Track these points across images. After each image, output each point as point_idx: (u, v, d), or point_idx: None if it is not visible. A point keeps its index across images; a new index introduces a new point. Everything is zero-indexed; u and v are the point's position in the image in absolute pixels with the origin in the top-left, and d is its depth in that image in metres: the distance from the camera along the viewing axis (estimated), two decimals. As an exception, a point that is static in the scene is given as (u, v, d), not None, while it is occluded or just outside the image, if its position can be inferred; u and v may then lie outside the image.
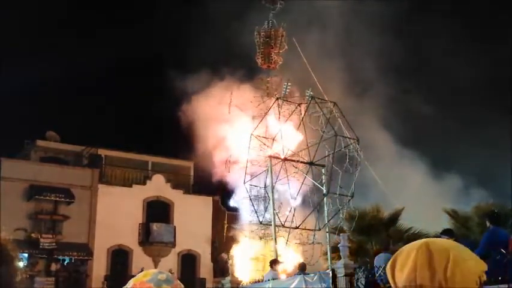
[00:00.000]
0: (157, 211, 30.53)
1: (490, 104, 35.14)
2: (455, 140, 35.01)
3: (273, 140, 22.06)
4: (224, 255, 21.15)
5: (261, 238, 24.71)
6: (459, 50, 37.48)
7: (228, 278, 19.40)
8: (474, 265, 1.49)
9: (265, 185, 23.52)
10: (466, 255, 1.52)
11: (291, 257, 22.88)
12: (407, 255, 1.49)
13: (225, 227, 26.73)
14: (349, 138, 20.26)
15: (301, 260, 21.56)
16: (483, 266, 1.51)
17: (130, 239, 29.46)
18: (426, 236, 19.21)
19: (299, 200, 22.97)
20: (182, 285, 1.79)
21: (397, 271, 1.49)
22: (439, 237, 10.39)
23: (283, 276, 16.33)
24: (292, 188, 22.34)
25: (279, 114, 22.79)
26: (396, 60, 36.23)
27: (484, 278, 1.48)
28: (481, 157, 33.93)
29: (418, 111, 37.36)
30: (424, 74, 40.29)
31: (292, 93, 24.72)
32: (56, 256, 27.00)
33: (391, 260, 1.56)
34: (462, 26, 35.87)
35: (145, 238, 29.75)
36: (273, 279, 15.11)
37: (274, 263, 15.95)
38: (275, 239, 20.11)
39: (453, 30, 37.23)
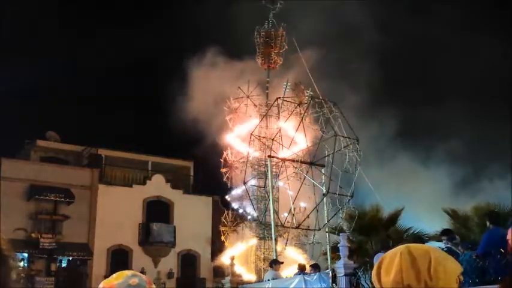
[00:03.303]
0: (157, 211, 30.53)
1: (493, 101, 35.11)
2: (457, 139, 34.95)
3: (273, 140, 22.04)
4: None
5: (260, 238, 24.69)
6: (461, 44, 37.40)
7: (228, 278, 19.44)
8: (453, 264, 1.61)
9: (265, 185, 23.54)
10: (445, 256, 1.63)
11: (291, 257, 22.86)
12: (391, 260, 1.60)
13: (223, 227, 26.63)
14: (349, 138, 20.25)
15: (301, 260, 21.59)
16: (460, 268, 1.63)
17: (130, 239, 29.46)
18: (426, 235, 19.23)
19: (301, 200, 22.96)
20: None
21: (383, 276, 1.60)
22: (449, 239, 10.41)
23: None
24: (292, 188, 22.34)
25: (279, 114, 22.80)
26: (396, 57, 36.25)
27: (462, 278, 1.60)
28: (482, 156, 33.92)
29: (419, 110, 37.34)
30: (425, 72, 40.22)
31: (298, 92, 24.61)
32: (56, 256, 26.99)
33: (375, 266, 1.66)
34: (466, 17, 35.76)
35: (145, 238, 29.74)
36: (273, 279, 15.13)
37: (274, 263, 15.98)
38: (275, 239, 20.11)
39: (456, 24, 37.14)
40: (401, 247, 1.64)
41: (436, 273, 1.53)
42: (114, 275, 1.72)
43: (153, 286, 1.72)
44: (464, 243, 11.71)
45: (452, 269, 1.58)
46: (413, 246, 1.63)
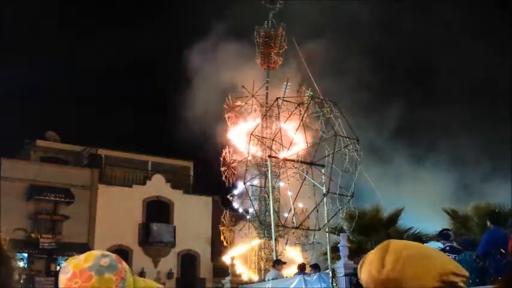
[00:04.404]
0: (157, 211, 30.52)
1: (493, 101, 35.13)
2: (457, 139, 34.95)
3: (273, 140, 22.03)
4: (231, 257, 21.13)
5: (261, 238, 24.68)
6: (461, 43, 37.38)
7: (228, 278, 19.43)
8: (438, 262, 1.45)
9: (265, 185, 23.53)
10: (429, 253, 1.49)
11: (291, 257, 22.85)
12: (369, 254, 1.58)
13: (222, 227, 26.60)
14: (349, 138, 20.23)
15: (300, 260, 21.56)
16: (451, 266, 1.45)
17: (130, 239, 29.45)
18: (426, 235, 19.25)
19: (301, 200, 22.95)
20: (127, 267, 1.63)
21: (363, 267, 1.57)
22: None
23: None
24: (292, 188, 22.32)
25: (279, 114, 22.76)
26: (396, 57, 36.26)
27: (452, 278, 1.42)
28: (482, 157, 33.90)
29: (419, 110, 37.36)
30: (425, 72, 40.22)
31: (301, 93, 24.58)
32: (55, 256, 26.97)
33: (359, 263, 1.62)
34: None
35: (145, 238, 29.74)
36: (274, 279, 15.13)
37: (277, 263, 15.99)
38: (274, 239, 20.10)
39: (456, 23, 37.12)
40: (385, 242, 1.58)
41: (403, 267, 1.42)
42: (82, 257, 1.59)
43: (124, 264, 1.63)
44: (464, 239, 11.64)
45: (431, 266, 1.42)
46: (395, 241, 1.55)
